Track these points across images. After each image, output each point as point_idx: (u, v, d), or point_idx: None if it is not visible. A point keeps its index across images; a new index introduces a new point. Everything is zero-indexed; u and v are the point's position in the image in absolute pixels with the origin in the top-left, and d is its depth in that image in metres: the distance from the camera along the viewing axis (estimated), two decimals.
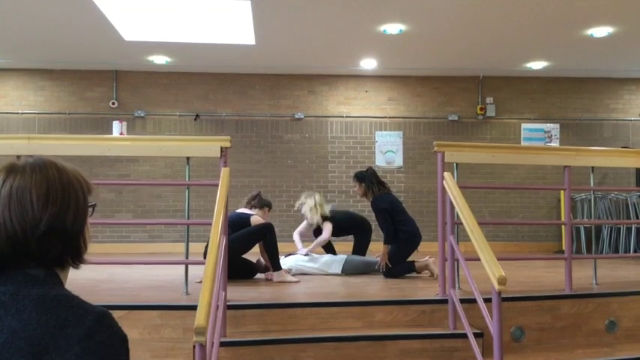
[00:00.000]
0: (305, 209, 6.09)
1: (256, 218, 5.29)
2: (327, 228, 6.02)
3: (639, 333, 4.12)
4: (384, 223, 5.48)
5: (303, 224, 6.38)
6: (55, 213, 1.08)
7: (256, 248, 5.20)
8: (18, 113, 8.61)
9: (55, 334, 0.99)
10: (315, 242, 6.06)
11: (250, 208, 5.52)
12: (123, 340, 1.06)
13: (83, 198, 1.15)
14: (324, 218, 6.05)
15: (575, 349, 3.87)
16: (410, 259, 5.47)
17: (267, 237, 5.02)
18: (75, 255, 1.14)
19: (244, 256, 5.20)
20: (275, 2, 6.11)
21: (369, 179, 5.69)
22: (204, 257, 5.59)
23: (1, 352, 0.97)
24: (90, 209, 1.18)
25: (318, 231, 6.16)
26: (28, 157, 1.14)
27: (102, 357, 1.00)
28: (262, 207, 5.58)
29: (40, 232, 1.06)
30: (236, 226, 4.99)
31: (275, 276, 4.99)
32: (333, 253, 6.12)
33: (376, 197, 5.62)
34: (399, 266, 5.36)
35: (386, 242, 5.44)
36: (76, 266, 1.15)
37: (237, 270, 4.90)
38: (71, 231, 1.11)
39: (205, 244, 5.73)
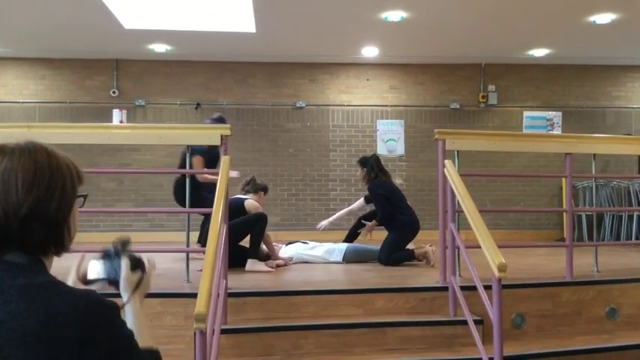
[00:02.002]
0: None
1: (250, 202, 5.26)
2: None
3: None
4: (381, 206, 5.60)
5: (360, 203, 6.35)
6: (39, 198, 1.06)
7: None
8: (19, 102, 8.60)
9: (47, 322, 0.97)
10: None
11: (245, 194, 5.50)
12: (114, 308, 1.07)
13: (71, 185, 1.12)
14: None
15: (576, 335, 3.88)
16: (409, 246, 5.50)
17: (256, 225, 4.99)
18: (58, 243, 1.11)
19: (244, 244, 5.20)
20: None
21: (370, 165, 5.80)
22: (198, 243, 5.58)
23: None
24: (81, 199, 1.16)
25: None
26: (21, 141, 1.12)
27: (105, 332, 1.02)
28: (256, 191, 5.55)
29: (21, 215, 1.04)
30: (230, 211, 4.97)
31: (248, 264, 4.93)
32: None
33: (373, 183, 5.71)
34: (398, 254, 5.38)
35: (378, 219, 5.64)
36: (58, 255, 1.13)
37: (236, 257, 4.89)
38: (55, 218, 1.08)
39: (199, 232, 5.70)
